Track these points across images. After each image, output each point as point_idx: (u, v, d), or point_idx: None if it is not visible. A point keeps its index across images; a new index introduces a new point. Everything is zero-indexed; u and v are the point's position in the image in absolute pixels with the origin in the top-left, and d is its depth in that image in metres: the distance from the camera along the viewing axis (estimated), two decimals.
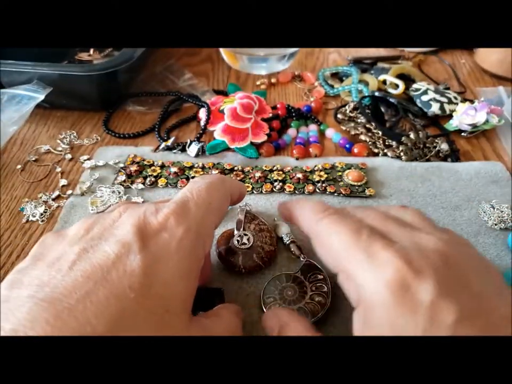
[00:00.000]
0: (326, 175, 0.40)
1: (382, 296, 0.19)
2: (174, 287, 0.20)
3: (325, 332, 0.28)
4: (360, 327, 0.21)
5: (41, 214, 0.37)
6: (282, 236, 0.34)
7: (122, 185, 0.39)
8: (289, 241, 0.33)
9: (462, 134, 0.47)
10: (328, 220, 0.23)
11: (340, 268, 0.22)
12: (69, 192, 0.39)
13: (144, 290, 0.18)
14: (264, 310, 0.29)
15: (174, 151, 0.44)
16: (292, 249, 0.33)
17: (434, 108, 0.49)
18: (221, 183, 0.26)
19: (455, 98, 0.51)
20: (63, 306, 0.17)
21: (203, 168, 0.41)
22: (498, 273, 0.22)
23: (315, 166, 0.41)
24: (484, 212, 0.37)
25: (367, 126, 0.46)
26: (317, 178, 0.39)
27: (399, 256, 0.20)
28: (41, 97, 0.44)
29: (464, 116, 0.47)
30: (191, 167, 0.41)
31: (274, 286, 0.30)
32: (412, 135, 0.44)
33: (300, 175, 0.40)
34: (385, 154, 0.43)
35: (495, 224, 0.36)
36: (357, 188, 0.39)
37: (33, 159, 0.43)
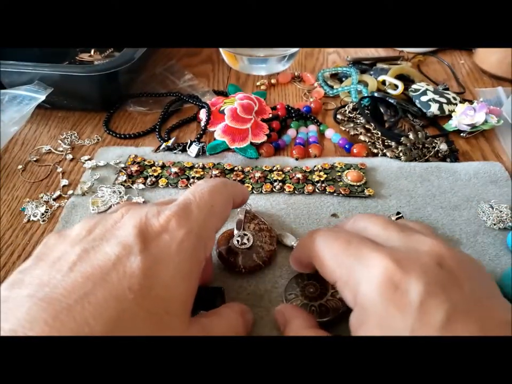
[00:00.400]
0: (325, 175, 0.40)
1: (372, 296, 0.20)
2: (174, 289, 0.20)
3: (346, 328, 0.28)
4: (355, 329, 0.21)
5: (42, 214, 0.37)
6: (292, 244, 0.33)
7: (123, 185, 0.39)
8: (294, 242, 0.33)
9: (461, 134, 0.47)
10: (321, 238, 0.24)
11: (336, 277, 0.23)
12: (70, 192, 0.39)
13: (144, 291, 0.18)
14: None
15: (175, 151, 0.44)
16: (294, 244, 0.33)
17: (434, 108, 0.49)
18: (224, 186, 0.26)
19: (454, 98, 0.51)
20: (62, 306, 0.17)
21: (203, 168, 0.42)
22: (492, 278, 0.22)
23: (314, 166, 0.41)
24: (483, 212, 0.37)
25: (367, 126, 0.47)
26: (317, 179, 0.40)
27: (388, 257, 0.20)
28: (42, 97, 0.44)
29: (463, 116, 0.47)
30: (191, 167, 0.41)
31: (296, 283, 0.30)
32: (411, 136, 0.44)
33: (299, 175, 0.40)
34: (384, 155, 0.44)
35: (494, 224, 0.36)
36: (356, 188, 0.39)
37: (34, 159, 0.44)
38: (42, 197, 0.39)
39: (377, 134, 0.45)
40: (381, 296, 0.19)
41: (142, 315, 0.18)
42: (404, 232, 0.23)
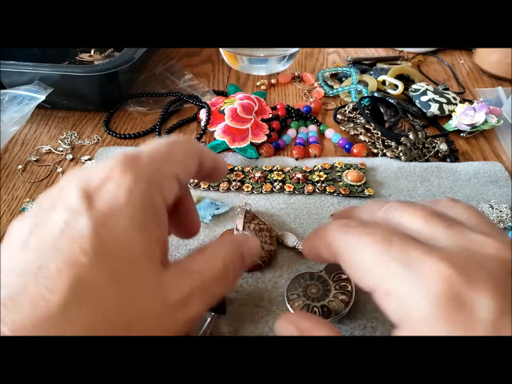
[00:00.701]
0: (325, 175, 0.40)
1: (429, 313, 0.16)
2: (131, 240, 0.18)
3: (349, 328, 0.28)
4: None
5: None
6: (295, 245, 0.33)
7: None
8: (297, 243, 0.33)
9: (461, 134, 0.47)
10: (352, 233, 0.20)
11: (374, 285, 0.19)
12: None
13: (98, 251, 0.17)
14: (288, 306, 0.29)
15: None
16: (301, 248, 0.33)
17: (433, 108, 0.49)
18: (187, 140, 0.23)
19: (454, 98, 0.51)
20: (16, 288, 0.16)
21: None
22: None
23: (314, 166, 0.41)
24: (483, 212, 0.37)
25: (367, 126, 0.47)
26: (317, 179, 0.40)
27: (446, 263, 0.17)
28: (42, 97, 0.44)
29: (463, 116, 0.47)
30: None
31: (298, 283, 0.30)
32: (411, 136, 0.44)
33: (299, 175, 0.40)
34: (384, 155, 0.44)
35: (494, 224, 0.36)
36: (356, 188, 0.39)
37: (34, 159, 0.44)
38: None
39: (377, 134, 0.45)
40: (441, 313, 0.16)
41: (101, 276, 0.17)
42: (452, 228, 0.19)
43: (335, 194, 0.38)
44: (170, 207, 0.21)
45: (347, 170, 0.40)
